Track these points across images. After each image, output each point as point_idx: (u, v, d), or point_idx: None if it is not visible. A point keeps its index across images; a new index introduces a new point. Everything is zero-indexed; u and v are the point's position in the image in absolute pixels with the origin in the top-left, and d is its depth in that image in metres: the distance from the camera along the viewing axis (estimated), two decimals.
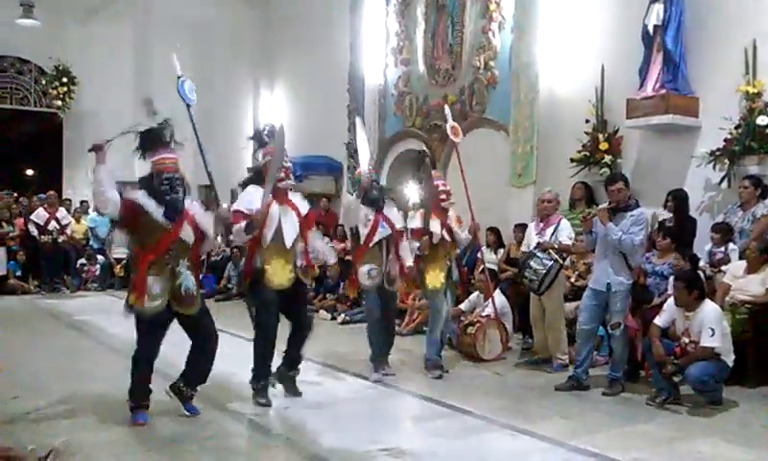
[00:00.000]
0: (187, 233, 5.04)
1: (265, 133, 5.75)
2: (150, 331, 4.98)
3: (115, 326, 9.15)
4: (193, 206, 5.18)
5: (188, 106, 5.54)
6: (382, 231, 6.43)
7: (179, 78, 5.53)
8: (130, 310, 4.97)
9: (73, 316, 10.31)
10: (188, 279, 5.06)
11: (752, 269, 6.38)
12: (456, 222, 6.91)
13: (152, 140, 5.08)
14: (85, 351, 7.86)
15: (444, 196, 6.75)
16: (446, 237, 6.75)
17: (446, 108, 8.14)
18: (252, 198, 5.45)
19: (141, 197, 4.95)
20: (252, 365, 5.60)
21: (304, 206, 5.78)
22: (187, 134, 5.37)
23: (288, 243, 5.52)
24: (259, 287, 5.52)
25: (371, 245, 6.40)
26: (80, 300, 12.26)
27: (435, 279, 6.70)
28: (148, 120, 5.17)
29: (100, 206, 5.00)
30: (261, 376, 5.59)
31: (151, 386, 5.10)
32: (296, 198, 5.73)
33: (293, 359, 5.78)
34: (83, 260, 13.59)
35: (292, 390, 5.80)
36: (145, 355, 5.02)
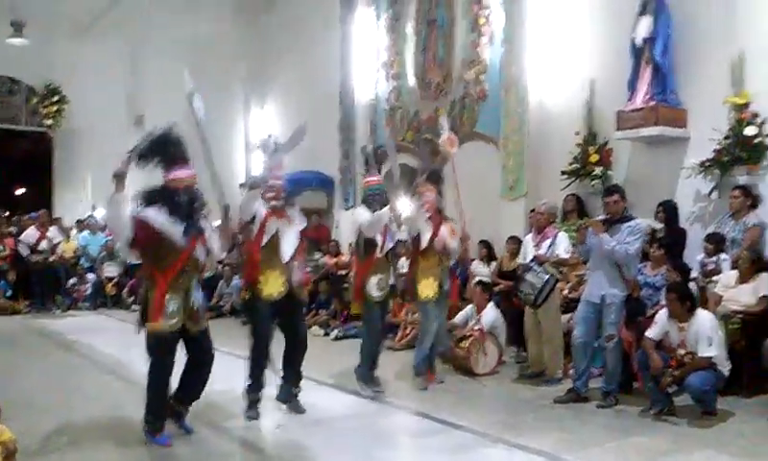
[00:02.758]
0: (200, 251, 5.04)
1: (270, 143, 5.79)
2: (166, 352, 4.93)
3: (108, 345, 9.15)
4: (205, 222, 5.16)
5: (199, 122, 5.49)
6: (390, 242, 6.42)
7: (191, 94, 5.46)
8: (143, 331, 4.94)
9: (64, 335, 10.24)
10: (198, 296, 5.10)
11: (743, 279, 6.40)
12: (451, 233, 6.91)
13: (173, 153, 4.96)
14: (78, 371, 7.80)
15: (427, 206, 6.73)
16: (437, 246, 6.74)
17: (442, 118, 8.09)
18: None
19: (158, 217, 4.82)
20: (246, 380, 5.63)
21: (302, 223, 5.80)
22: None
23: (285, 257, 5.54)
24: (253, 301, 5.52)
25: (380, 255, 6.36)
26: (71, 319, 12.19)
27: (427, 288, 6.69)
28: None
29: (117, 234, 4.92)
30: (253, 389, 5.59)
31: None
32: (294, 214, 5.73)
33: (292, 375, 5.76)
34: (73, 280, 13.51)
35: (295, 407, 5.78)
36: (163, 378, 4.94)
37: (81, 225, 14.53)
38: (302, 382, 5.84)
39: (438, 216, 6.83)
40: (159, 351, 4.93)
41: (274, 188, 5.58)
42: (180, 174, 4.93)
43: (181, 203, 4.88)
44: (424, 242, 6.70)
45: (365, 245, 6.40)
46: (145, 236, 4.81)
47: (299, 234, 5.70)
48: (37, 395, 6.46)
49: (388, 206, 6.29)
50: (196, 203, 4.96)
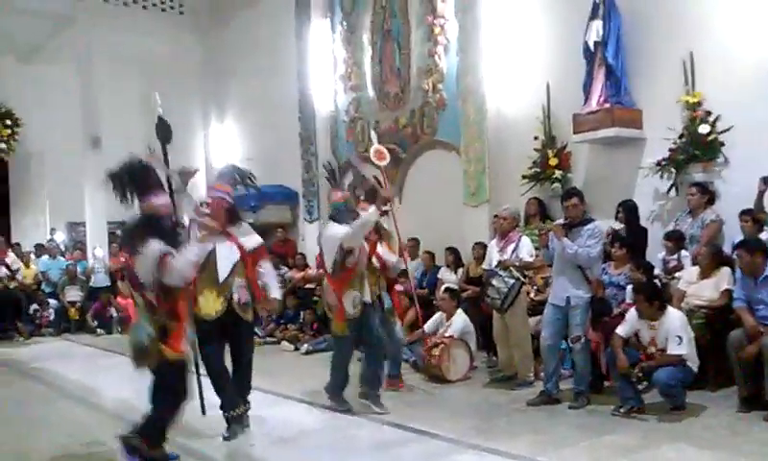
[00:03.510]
0: None
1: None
2: (184, 379, 4.83)
3: (73, 371, 8.98)
4: None
5: (164, 144, 5.40)
6: (364, 259, 6.26)
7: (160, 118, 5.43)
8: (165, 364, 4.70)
9: (27, 363, 10.02)
10: None
11: (704, 274, 6.52)
12: (388, 249, 6.89)
13: (150, 179, 4.87)
14: (42, 400, 7.59)
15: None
16: (376, 264, 6.67)
17: (372, 131, 8.19)
18: None
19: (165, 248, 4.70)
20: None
21: (252, 241, 5.65)
22: None
23: (221, 277, 5.45)
24: (195, 321, 5.42)
25: (359, 268, 6.20)
26: (34, 346, 11.91)
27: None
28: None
29: (184, 279, 4.73)
30: (226, 407, 5.52)
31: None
32: (240, 231, 5.60)
33: (240, 393, 5.65)
34: (35, 306, 13.23)
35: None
36: (177, 407, 4.78)
37: (40, 249, 14.27)
38: (273, 399, 5.78)
39: (375, 233, 6.69)
40: (180, 379, 4.80)
41: (209, 205, 5.48)
42: (158, 201, 4.83)
43: (166, 229, 4.79)
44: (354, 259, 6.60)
45: (342, 261, 6.15)
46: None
47: (242, 253, 5.53)
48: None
49: (373, 207, 6.08)
50: (177, 227, 4.96)
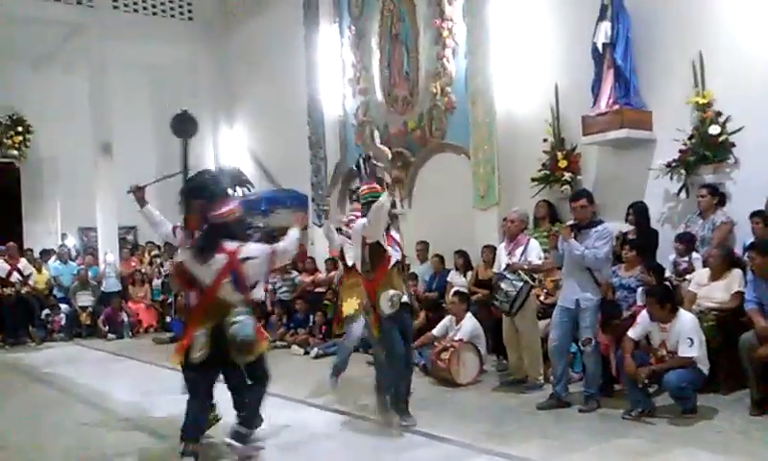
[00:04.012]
0: None
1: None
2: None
3: (84, 376, 9.02)
4: None
5: (185, 142, 5.48)
6: (395, 253, 5.96)
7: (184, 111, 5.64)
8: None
9: (40, 368, 10.07)
10: None
11: (715, 276, 6.48)
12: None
13: (222, 190, 5.18)
14: (54, 405, 7.64)
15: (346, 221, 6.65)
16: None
17: (375, 131, 8.07)
18: None
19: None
20: None
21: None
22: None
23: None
24: None
25: (389, 268, 5.88)
26: (46, 351, 11.97)
27: (350, 307, 6.68)
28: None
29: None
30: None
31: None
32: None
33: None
34: (47, 311, 13.30)
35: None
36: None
37: (47, 255, 14.35)
38: (284, 403, 5.76)
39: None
40: (266, 364, 5.29)
41: None
42: (224, 209, 5.05)
43: (234, 233, 5.04)
44: (349, 260, 6.60)
45: (371, 257, 5.86)
46: None
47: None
48: (11, 433, 6.33)
49: (386, 193, 5.79)
50: (245, 230, 5.22)
